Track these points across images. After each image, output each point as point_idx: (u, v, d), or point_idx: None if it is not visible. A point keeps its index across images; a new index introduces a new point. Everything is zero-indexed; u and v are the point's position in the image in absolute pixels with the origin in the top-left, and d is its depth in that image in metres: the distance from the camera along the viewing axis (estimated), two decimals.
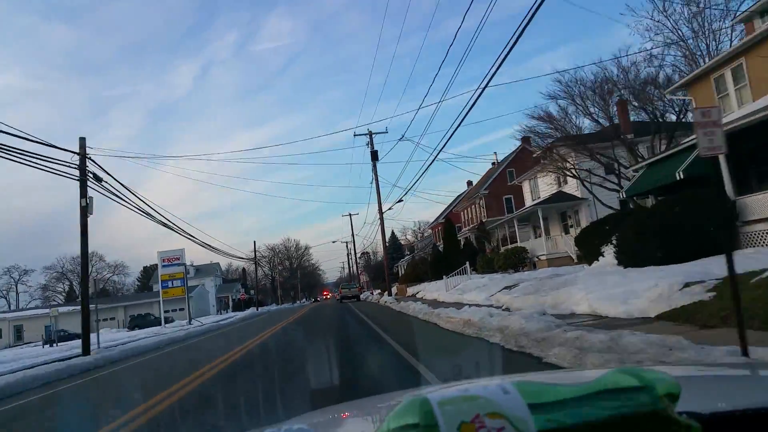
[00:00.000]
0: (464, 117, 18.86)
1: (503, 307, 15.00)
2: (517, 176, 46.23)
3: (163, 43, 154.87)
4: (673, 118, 22.84)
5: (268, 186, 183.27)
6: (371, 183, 40.57)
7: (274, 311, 62.84)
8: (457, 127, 24.55)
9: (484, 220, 41.68)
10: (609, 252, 16.17)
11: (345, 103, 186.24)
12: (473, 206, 49.32)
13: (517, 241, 37.32)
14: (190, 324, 45.15)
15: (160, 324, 58.96)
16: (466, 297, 21.75)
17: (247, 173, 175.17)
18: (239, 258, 55.82)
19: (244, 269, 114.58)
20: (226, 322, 42.03)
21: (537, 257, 30.08)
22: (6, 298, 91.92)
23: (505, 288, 19.40)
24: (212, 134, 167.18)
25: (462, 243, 41.03)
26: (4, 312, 69.91)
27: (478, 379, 2.29)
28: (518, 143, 46.88)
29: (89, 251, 20.11)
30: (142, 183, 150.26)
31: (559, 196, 30.50)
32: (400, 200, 32.58)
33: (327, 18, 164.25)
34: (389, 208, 35.87)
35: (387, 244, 36.76)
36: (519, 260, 29.99)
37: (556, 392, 0.73)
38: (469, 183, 63.48)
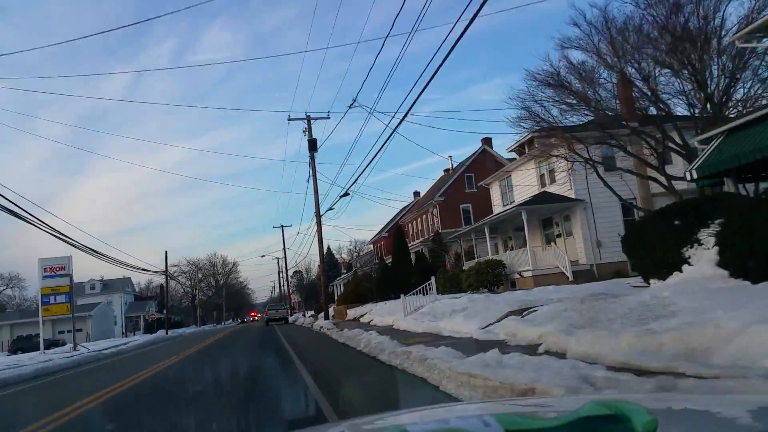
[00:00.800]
0: (438, 67, 11.89)
1: (549, 351, 8.23)
2: (477, 182, 40.23)
3: (96, 47, 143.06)
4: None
5: (199, 201, 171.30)
6: (308, 180, 33.07)
7: (187, 334, 53.98)
8: (427, 84, 17.98)
9: (440, 231, 35.17)
10: (703, 258, 9.76)
11: (280, 118, 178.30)
12: (425, 216, 42.86)
13: (477, 255, 31.02)
14: (75, 350, 36.18)
15: (50, 345, 49.11)
16: (443, 325, 14.90)
17: (177, 188, 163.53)
18: (145, 271, 46.85)
19: (162, 286, 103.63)
20: (120, 347, 33.53)
21: (518, 274, 23.67)
22: None
23: (511, 314, 12.72)
24: (141, 146, 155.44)
25: (413, 258, 34.31)
26: None
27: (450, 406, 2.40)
28: (473, 148, 41.05)
29: None
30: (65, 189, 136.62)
31: (543, 198, 24.36)
32: (346, 194, 25.01)
33: (268, 33, 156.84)
34: (330, 208, 28.66)
35: (324, 255, 29.53)
36: (495, 278, 23.50)
37: (536, 423, 0.74)
38: (416, 194, 57.28)
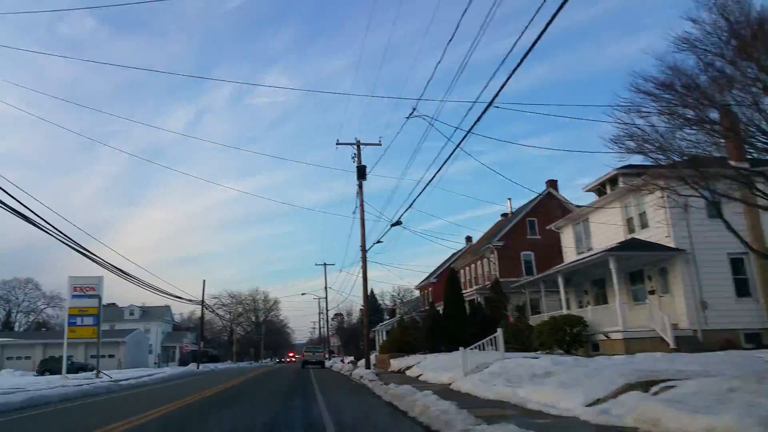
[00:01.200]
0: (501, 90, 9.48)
1: None
2: (540, 228, 36.52)
3: (161, 86, 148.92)
4: None
5: (245, 237, 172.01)
6: (354, 211, 30.27)
7: (218, 370, 51.07)
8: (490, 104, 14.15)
9: (499, 279, 31.46)
10: None
11: (331, 162, 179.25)
12: (480, 262, 39.21)
13: (543, 309, 27.15)
14: (97, 377, 33.69)
15: (78, 370, 47.02)
16: (525, 394, 11.31)
17: (225, 223, 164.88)
18: (179, 298, 44.55)
19: (202, 317, 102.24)
20: (143, 379, 30.82)
21: (604, 335, 19.74)
22: None
23: (630, 387, 9.12)
24: (195, 181, 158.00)
25: (468, 307, 30.65)
26: None
27: None
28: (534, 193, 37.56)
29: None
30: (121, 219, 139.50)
31: (633, 245, 20.59)
32: (398, 223, 21.67)
33: (323, 80, 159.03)
34: (378, 241, 25.74)
35: (368, 294, 26.25)
36: (573, 337, 19.68)
37: None
38: (469, 239, 53.65)
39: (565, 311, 22.36)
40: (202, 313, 49.60)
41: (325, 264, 64.73)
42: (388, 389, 15.00)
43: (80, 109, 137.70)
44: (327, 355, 65.30)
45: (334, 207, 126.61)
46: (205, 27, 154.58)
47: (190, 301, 45.75)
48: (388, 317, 71.67)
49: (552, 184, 37.03)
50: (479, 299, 32.86)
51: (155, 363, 66.88)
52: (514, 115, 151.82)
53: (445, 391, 14.39)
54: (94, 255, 23.79)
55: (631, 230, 21.67)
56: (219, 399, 16.72)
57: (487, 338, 18.13)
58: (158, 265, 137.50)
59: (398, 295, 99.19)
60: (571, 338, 19.70)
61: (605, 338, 19.55)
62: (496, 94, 11.36)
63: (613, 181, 23.34)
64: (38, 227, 17.75)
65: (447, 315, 29.34)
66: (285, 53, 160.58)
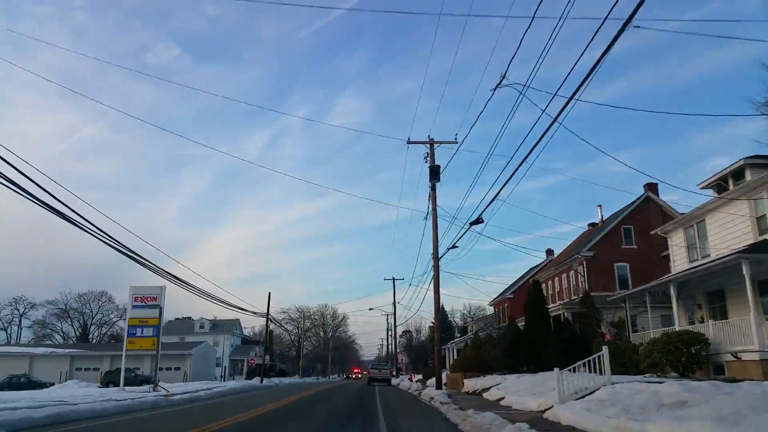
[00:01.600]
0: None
1: None
2: (637, 235, 32.47)
3: (240, 110, 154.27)
4: None
5: (316, 255, 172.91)
6: (426, 216, 27.40)
7: (282, 385, 49.22)
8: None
9: (591, 293, 27.68)
10: None
11: (402, 183, 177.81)
12: (565, 275, 35.41)
13: (643, 326, 23.35)
14: (154, 390, 32.31)
15: (141, 382, 46.35)
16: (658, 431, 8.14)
17: (297, 242, 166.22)
18: (242, 310, 42.95)
19: (271, 332, 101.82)
20: (200, 394, 29.10)
21: (732, 355, 15.95)
22: (6, 331, 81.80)
23: None
24: (269, 202, 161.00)
25: (552, 323, 27.07)
26: None
27: None
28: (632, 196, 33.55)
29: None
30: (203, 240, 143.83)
31: (763, 248, 16.69)
32: (478, 221, 18.44)
33: (395, 102, 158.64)
34: (453, 246, 22.66)
35: (439, 305, 23.37)
36: (692, 358, 16.00)
37: None
38: (550, 252, 49.58)
39: (677, 327, 18.60)
40: (267, 326, 47.99)
41: (393, 279, 62.09)
42: (467, 417, 12.03)
43: (164, 134, 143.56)
44: (394, 373, 62.55)
45: (403, 225, 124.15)
46: (282, 53, 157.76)
47: (254, 313, 44.19)
48: (459, 335, 68.09)
49: (651, 187, 32.90)
50: (566, 315, 29.16)
51: (221, 376, 66.10)
52: (597, 126, 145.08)
53: (540, 422, 11.29)
54: (154, 264, 22.15)
55: (764, 231, 17.75)
56: (264, 420, 14.26)
57: (588, 358, 14.81)
58: (231, 281, 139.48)
59: (469, 313, 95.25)
60: (689, 359, 16.02)
61: (734, 359, 15.73)
62: (596, 65, 8.46)
63: (737, 174, 19.50)
64: (105, 242, 16.10)
65: (529, 332, 25.91)
66: (357, 76, 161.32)
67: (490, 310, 64.16)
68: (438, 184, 27.04)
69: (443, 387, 24.31)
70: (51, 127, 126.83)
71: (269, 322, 50.63)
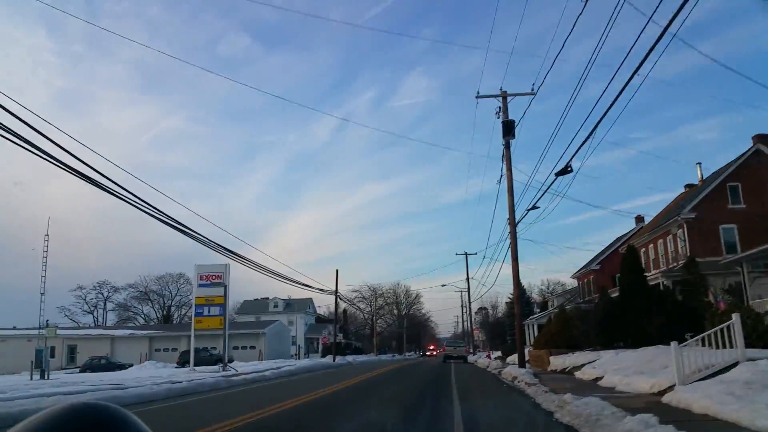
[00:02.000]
0: None
1: None
2: (746, 193, 28.32)
3: (307, 96, 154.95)
4: None
5: (389, 236, 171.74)
6: (499, 180, 24.76)
7: (356, 363, 47.91)
8: None
9: (697, 259, 24.06)
10: None
11: (473, 159, 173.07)
12: (662, 240, 31.63)
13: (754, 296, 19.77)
14: (223, 369, 31.48)
15: (216, 362, 46.25)
16: None
17: (369, 224, 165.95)
18: (307, 287, 41.57)
19: (344, 310, 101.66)
20: (266, 373, 27.90)
21: None
22: (93, 315, 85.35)
23: None
24: (341, 184, 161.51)
25: (651, 292, 23.72)
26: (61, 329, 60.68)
27: None
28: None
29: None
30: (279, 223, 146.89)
31: None
32: (566, 170, 15.48)
33: (463, 78, 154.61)
34: (534, 207, 19.83)
35: (518, 275, 20.76)
36: None
37: None
38: (640, 219, 45.27)
39: None
40: (336, 303, 46.63)
41: (466, 254, 59.23)
42: (564, 404, 9.52)
43: (238, 122, 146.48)
44: (470, 350, 60.25)
45: (473, 203, 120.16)
46: (349, 36, 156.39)
47: (321, 290, 42.83)
48: (538, 310, 64.61)
49: (762, 139, 28.51)
50: (665, 283, 25.66)
51: (294, 355, 65.87)
52: (680, 95, 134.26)
53: (666, 411, 8.63)
54: (218, 244, 20.81)
55: None
56: (322, 405, 12.29)
57: (710, 331, 11.90)
58: (306, 264, 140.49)
59: (547, 288, 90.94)
60: None
61: None
62: None
63: None
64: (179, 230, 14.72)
65: (625, 303, 22.78)
66: (424, 54, 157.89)
67: (571, 284, 60.29)
68: (512, 142, 24.20)
69: (526, 365, 21.70)
70: (133, 121, 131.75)
71: (339, 299, 49.31)
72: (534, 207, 20.63)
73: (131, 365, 46.42)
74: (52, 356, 55.89)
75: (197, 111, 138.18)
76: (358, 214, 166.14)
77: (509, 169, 23.93)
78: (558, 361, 23.43)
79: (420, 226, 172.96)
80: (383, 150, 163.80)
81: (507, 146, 24.08)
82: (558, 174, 15.70)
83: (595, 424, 7.60)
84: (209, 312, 32.95)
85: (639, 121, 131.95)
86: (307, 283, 46.78)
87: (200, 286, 33.04)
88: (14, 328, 60.27)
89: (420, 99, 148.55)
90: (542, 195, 19.03)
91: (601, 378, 15.31)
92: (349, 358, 53.18)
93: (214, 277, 32.92)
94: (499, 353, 44.75)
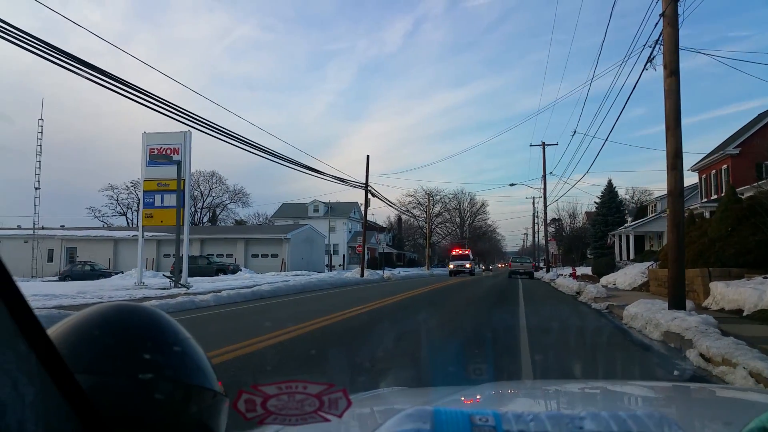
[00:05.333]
0: None
1: None
2: None
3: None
4: None
5: (460, 146, 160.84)
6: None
7: (398, 277, 37.64)
8: None
9: None
10: None
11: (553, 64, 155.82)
12: None
13: None
14: (175, 285, 21.50)
15: (217, 272, 37.11)
16: None
17: (439, 133, 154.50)
18: (342, 181, 30.68)
19: (400, 218, 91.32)
20: (257, 288, 17.83)
21: None
22: (126, 216, 79.06)
23: None
24: (415, 92, 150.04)
25: None
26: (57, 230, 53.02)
27: None
28: None
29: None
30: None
31: None
32: None
33: None
34: None
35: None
36: None
37: None
38: None
39: None
40: (366, 197, 35.42)
41: (543, 144, 46.22)
42: None
43: (307, 29, 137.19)
44: (538, 265, 53.81)
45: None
46: None
47: (343, 181, 31.65)
48: (630, 219, 51.68)
49: None
50: None
51: (328, 265, 56.33)
52: None
53: None
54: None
55: None
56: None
57: None
58: (373, 174, 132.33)
59: (632, 199, 76.44)
60: None
61: None
62: None
63: None
64: None
65: None
66: None
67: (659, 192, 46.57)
68: None
69: (685, 304, 9.86)
70: (207, 29, 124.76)
71: (389, 205, 38.48)
72: None
73: (120, 272, 38.12)
74: (50, 260, 48.88)
75: (268, 18, 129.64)
76: (429, 124, 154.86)
77: None
78: (734, 294, 11.56)
79: (492, 137, 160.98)
80: (458, 55, 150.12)
81: None
82: None
83: None
84: (162, 202, 22.52)
85: None
86: (338, 176, 35.69)
87: (150, 164, 22.42)
88: (18, 228, 53.45)
89: None
90: None
91: None
92: (388, 272, 42.85)
93: (167, 151, 22.17)
94: (587, 271, 32.83)
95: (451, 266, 45.28)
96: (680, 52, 9.37)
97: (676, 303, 9.59)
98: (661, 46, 9.71)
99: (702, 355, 6.30)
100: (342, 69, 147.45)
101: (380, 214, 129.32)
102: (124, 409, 0.62)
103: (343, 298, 16.92)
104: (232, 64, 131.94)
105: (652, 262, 21.01)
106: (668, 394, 2.01)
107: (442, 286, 24.44)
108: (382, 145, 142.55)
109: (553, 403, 1.84)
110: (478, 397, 1.80)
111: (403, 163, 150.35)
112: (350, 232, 70.34)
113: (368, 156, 35.57)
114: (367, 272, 37.31)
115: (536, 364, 6.13)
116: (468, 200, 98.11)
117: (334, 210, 69.23)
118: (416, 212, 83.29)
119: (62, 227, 55.18)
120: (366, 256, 63.53)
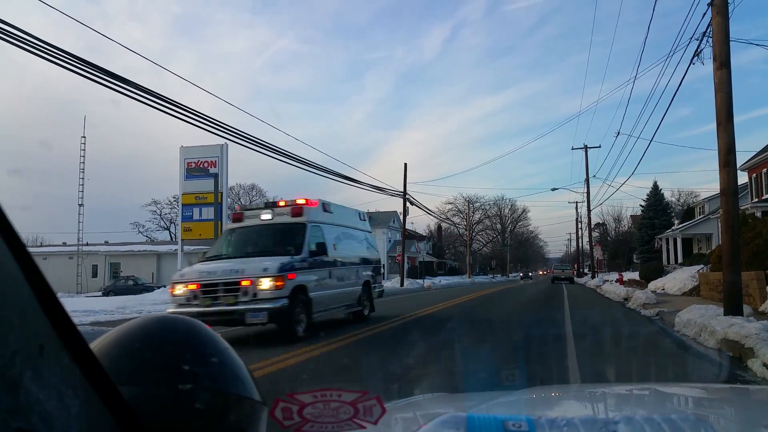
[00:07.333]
0: None
1: None
2: None
3: (416, 7, 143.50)
4: None
5: (498, 153, 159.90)
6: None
7: (439, 287, 37.25)
8: None
9: None
10: None
11: (593, 66, 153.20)
12: None
13: None
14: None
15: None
16: None
17: (478, 140, 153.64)
18: (381, 190, 30.74)
19: (440, 226, 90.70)
20: None
21: None
22: (169, 231, 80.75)
23: None
24: (453, 98, 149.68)
25: None
26: (99, 246, 54.40)
27: None
28: None
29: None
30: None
31: None
32: None
33: None
34: None
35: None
36: None
37: None
38: None
39: None
40: (404, 205, 35.40)
41: (585, 147, 45.10)
42: None
43: (345, 40, 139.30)
44: (580, 271, 58.28)
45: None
46: None
47: (382, 190, 31.64)
48: (677, 221, 49.98)
49: None
50: None
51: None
52: None
53: None
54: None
55: None
56: None
57: None
58: (411, 182, 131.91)
59: (678, 201, 73.98)
60: None
61: None
62: None
63: None
64: None
65: None
66: None
67: (705, 193, 44.82)
68: None
69: (742, 309, 9.31)
70: (247, 43, 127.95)
71: (428, 212, 38.29)
72: None
73: (163, 286, 38.93)
74: (94, 275, 50.24)
75: (306, 30, 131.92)
76: (467, 131, 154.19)
77: None
78: None
79: (532, 143, 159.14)
80: (495, 61, 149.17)
81: None
82: None
83: None
84: (200, 215, 22.82)
85: None
86: (375, 185, 35.76)
87: (187, 177, 22.79)
88: (63, 244, 55.19)
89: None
90: None
91: None
92: (428, 281, 42.54)
93: (205, 164, 22.51)
94: (635, 276, 31.85)
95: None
96: (730, 43, 8.91)
97: (733, 308, 9.07)
98: (709, 38, 9.28)
99: (766, 365, 5.86)
100: (380, 78, 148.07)
101: (420, 222, 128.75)
102: (165, 419, 0.63)
103: (383, 306, 16.72)
104: (272, 76, 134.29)
105: (702, 265, 20.16)
106: (709, 395, 2.00)
107: (484, 295, 24.00)
108: (421, 153, 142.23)
109: (588, 407, 1.85)
110: (514, 402, 1.85)
111: (442, 171, 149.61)
112: (389, 241, 70.14)
113: (405, 164, 35.51)
114: (407, 281, 37.12)
115: (585, 374, 5.81)
116: (509, 206, 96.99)
117: (372, 219, 68.94)
118: (456, 220, 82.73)
119: (106, 243, 56.62)
120: (406, 265, 63.33)
